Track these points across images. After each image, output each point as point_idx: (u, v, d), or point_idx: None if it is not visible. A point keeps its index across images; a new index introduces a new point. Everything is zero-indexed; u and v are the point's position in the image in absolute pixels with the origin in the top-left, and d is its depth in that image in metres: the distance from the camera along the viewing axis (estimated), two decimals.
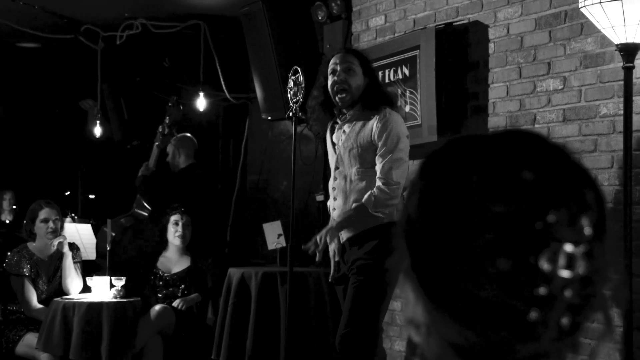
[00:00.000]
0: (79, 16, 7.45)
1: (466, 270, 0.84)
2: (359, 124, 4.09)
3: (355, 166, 4.08)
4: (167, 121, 6.83)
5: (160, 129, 6.83)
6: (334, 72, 4.11)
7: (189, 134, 6.96)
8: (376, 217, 3.98)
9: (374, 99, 4.09)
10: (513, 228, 0.83)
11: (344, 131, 4.15)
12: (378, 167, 4.00)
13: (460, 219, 0.85)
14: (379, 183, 3.97)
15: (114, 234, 6.73)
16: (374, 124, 4.03)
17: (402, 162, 4.00)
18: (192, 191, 6.63)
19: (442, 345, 0.90)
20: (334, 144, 4.23)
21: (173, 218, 6.05)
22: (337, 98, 4.09)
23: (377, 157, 4.01)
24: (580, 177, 0.88)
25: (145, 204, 7.03)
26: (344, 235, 4.10)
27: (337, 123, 4.21)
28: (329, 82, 4.11)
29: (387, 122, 4.00)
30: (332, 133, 4.26)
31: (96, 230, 6.75)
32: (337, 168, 4.18)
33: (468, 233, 0.84)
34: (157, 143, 6.83)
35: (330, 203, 4.27)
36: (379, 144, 3.99)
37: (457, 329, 0.86)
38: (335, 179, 4.19)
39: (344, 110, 4.15)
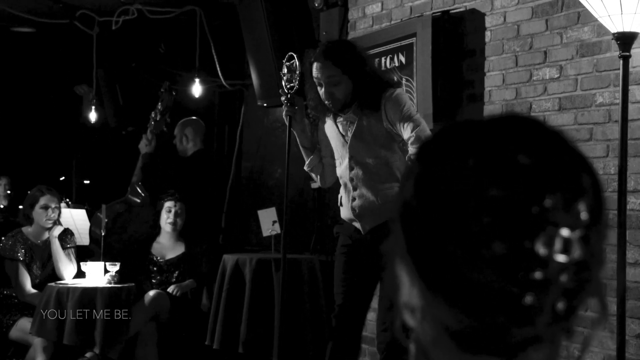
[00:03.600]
0: (75, 1, 7.42)
1: (462, 255, 0.84)
2: (366, 111, 4.05)
3: (373, 155, 4.05)
4: (159, 107, 6.82)
5: (152, 115, 6.82)
6: (319, 84, 4.06)
7: (194, 117, 6.96)
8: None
9: (367, 94, 4.04)
10: (509, 212, 0.83)
11: (350, 122, 4.10)
12: (405, 131, 3.94)
13: (457, 203, 0.85)
14: (412, 140, 3.91)
15: (106, 220, 6.72)
16: (382, 109, 3.99)
17: (424, 123, 3.99)
18: (199, 177, 6.63)
19: (436, 329, 0.90)
20: (341, 135, 4.17)
21: (167, 205, 6.06)
22: (329, 106, 4.09)
23: (399, 125, 3.95)
24: (577, 161, 0.88)
25: (139, 191, 7.01)
26: (366, 226, 4.07)
27: (342, 114, 4.15)
28: (320, 92, 4.06)
29: (396, 98, 3.97)
30: (334, 120, 4.20)
31: (91, 216, 6.74)
32: (352, 157, 4.10)
33: (464, 217, 0.84)
34: (150, 129, 6.82)
35: (342, 193, 4.19)
36: (397, 117, 3.95)
37: (452, 313, 0.86)
38: (351, 168, 4.10)
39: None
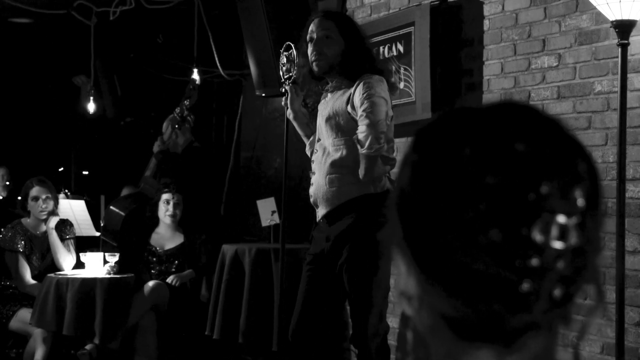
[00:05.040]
0: None
1: (458, 242, 0.84)
2: (339, 92, 3.91)
3: (332, 136, 3.89)
4: (186, 103, 6.79)
5: (177, 111, 6.78)
6: (311, 39, 3.94)
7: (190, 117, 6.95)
8: (352, 188, 3.80)
9: (353, 65, 3.89)
10: (505, 199, 0.83)
11: (326, 101, 3.99)
12: (359, 110, 3.77)
13: (453, 191, 0.85)
14: (359, 124, 3.76)
15: (123, 214, 6.71)
16: (352, 90, 3.82)
17: (381, 107, 3.77)
18: (193, 166, 6.63)
19: (433, 317, 0.90)
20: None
21: (164, 197, 6.06)
22: (313, 65, 3.93)
23: (358, 118, 3.78)
24: (574, 149, 0.87)
25: (154, 183, 7.00)
26: (320, 212, 3.93)
27: (323, 92, 4.05)
28: (308, 50, 3.94)
29: (368, 87, 3.77)
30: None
31: (90, 207, 6.74)
32: (318, 140, 4.01)
33: (461, 204, 0.84)
34: (171, 123, 6.76)
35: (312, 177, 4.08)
36: (359, 110, 3.77)
37: (449, 300, 0.86)
38: (315, 151, 4.00)
39: (329, 80, 3.99)
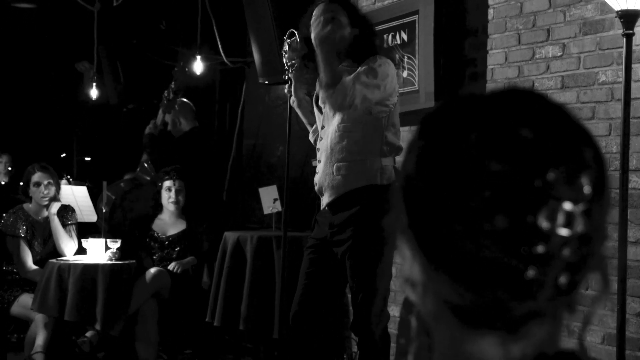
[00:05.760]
0: None
1: (464, 229, 0.84)
2: (345, 76, 3.85)
3: (338, 122, 3.87)
4: (172, 86, 6.80)
5: (165, 94, 6.80)
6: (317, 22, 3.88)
7: (185, 99, 6.94)
8: (358, 178, 3.81)
9: (361, 50, 3.88)
10: (511, 186, 0.82)
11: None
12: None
13: (459, 177, 0.84)
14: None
15: (114, 197, 6.73)
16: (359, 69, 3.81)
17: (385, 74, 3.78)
18: (195, 153, 6.63)
19: (438, 304, 0.89)
20: (319, 104, 4.02)
21: (166, 184, 6.05)
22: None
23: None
24: (580, 136, 0.87)
25: (149, 169, 7.02)
26: (325, 200, 3.93)
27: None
28: (312, 34, 3.88)
29: (375, 63, 3.78)
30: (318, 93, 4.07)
31: (92, 193, 6.74)
32: (322, 127, 3.99)
33: (466, 191, 0.84)
34: (162, 108, 6.80)
35: (316, 165, 4.07)
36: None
37: (454, 287, 0.86)
38: (321, 139, 3.99)
39: None
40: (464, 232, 0.84)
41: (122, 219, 6.76)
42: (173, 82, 6.82)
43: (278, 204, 5.81)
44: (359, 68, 3.82)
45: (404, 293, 0.95)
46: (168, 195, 6.04)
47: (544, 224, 0.82)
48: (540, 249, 0.82)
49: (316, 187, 3.99)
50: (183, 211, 6.10)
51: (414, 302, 0.93)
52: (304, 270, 4.00)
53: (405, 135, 4.52)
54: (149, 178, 7.03)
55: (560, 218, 0.82)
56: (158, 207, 6.12)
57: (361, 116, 3.81)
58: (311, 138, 4.23)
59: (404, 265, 0.92)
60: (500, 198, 0.82)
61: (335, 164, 3.87)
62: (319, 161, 4.00)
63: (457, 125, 0.88)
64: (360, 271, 3.79)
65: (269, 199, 5.90)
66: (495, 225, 0.82)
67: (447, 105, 0.92)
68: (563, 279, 0.84)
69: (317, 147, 4.04)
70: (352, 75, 3.76)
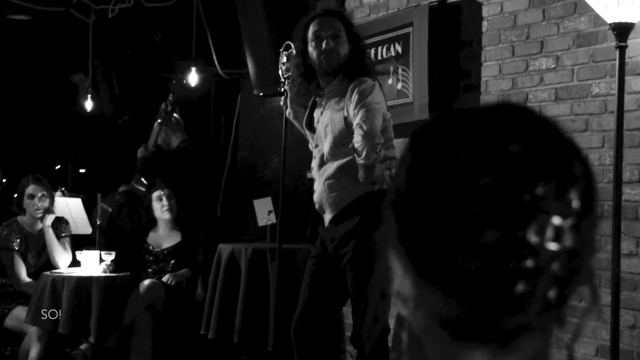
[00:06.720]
0: None
1: (454, 243, 0.84)
2: (336, 99, 3.90)
3: (329, 144, 3.89)
4: (170, 99, 6.79)
5: (163, 107, 6.79)
6: (318, 38, 3.89)
7: (175, 115, 6.94)
8: (352, 190, 3.83)
9: (356, 68, 3.88)
10: (501, 200, 0.83)
11: (323, 106, 3.97)
12: (355, 118, 3.75)
13: (449, 192, 0.85)
14: (355, 134, 3.75)
15: (110, 210, 6.72)
16: (348, 97, 3.80)
17: (376, 117, 3.77)
18: (187, 167, 6.62)
19: (429, 318, 0.90)
20: (312, 122, 4.06)
21: (155, 195, 6.05)
22: (323, 62, 3.87)
23: (355, 112, 3.77)
24: (569, 150, 0.87)
25: (143, 180, 7.02)
26: (327, 217, 3.95)
27: (318, 98, 4.03)
28: (313, 50, 3.89)
29: (362, 94, 3.77)
30: (312, 110, 4.11)
31: (87, 205, 6.74)
32: (316, 146, 4.02)
33: (456, 205, 0.84)
34: (159, 120, 6.79)
35: (311, 177, 4.11)
36: (355, 119, 3.76)
37: (444, 301, 0.86)
38: (314, 158, 4.03)
39: (322, 84, 3.96)
40: (455, 246, 0.84)
41: (118, 231, 6.75)
42: (171, 95, 6.82)
43: (273, 216, 5.81)
44: (348, 93, 3.81)
45: (395, 307, 0.95)
46: (160, 204, 6.03)
47: (533, 238, 0.82)
48: (529, 263, 0.82)
49: (317, 207, 4.04)
50: (177, 222, 6.10)
51: (404, 317, 0.93)
52: (306, 282, 4.03)
53: (400, 147, 4.52)
54: (144, 189, 7.03)
55: (550, 232, 0.83)
56: (152, 222, 6.10)
57: (352, 135, 3.82)
58: (311, 147, 4.23)
59: (395, 279, 0.92)
60: (490, 212, 0.83)
61: (326, 182, 3.91)
62: (314, 180, 4.02)
63: (446, 139, 0.88)
64: (357, 284, 3.80)
65: (264, 211, 5.90)
66: (485, 239, 0.83)
67: (437, 119, 0.92)
68: (552, 293, 0.84)
69: (311, 165, 4.07)
70: (361, 142, 3.73)
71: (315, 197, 4.01)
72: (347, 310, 4.75)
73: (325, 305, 4.00)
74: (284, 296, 4.67)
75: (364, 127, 3.72)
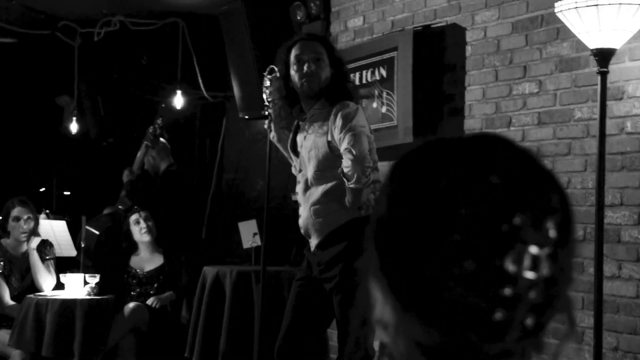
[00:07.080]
0: (57, 12, 7.40)
1: (433, 272, 0.85)
2: (319, 123, 3.90)
3: (314, 168, 3.90)
4: (159, 122, 6.79)
5: (151, 130, 6.78)
6: (300, 61, 3.91)
7: (162, 139, 6.94)
8: (338, 216, 3.82)
9: (338, 92, 3.89)
10: (480, 230, 0.84)
11: (306, 130, 3.97)
12: (342, 143, 3.74)
13: (429, 221, 0.86)
14: (344, 159, 3.73)
15: (98, 233, 6.69)
16: (330, 120, 3.81)
17: (363, 140, 3.75)
18: (174, 190, 6.62)
19: (409, 345, 0.91)
20: (296, 146, 4.07)
21: (133, 218, 6.04)
22: (304, 85, 3.88)
23: (340, 136, 3.76)
24: (547, 180, 0.89)
25: (128, 202, 7.00)
26: (313, 242, 3.95)
27: (301, 122, 4.04)
28: (295, 73, 3.90)
29: (346, 119, 3.76)
30: (295, 134, 4.11)
31: (71, 228, 6.71)
32: (300, 171, 4.02)
33: (436, 235, 0.86)
34: (146, 142, 6.78)
35: (296, 199, 4.11)
36: (342, 144, 3.75)
37: (424, 329, 0.87)
38: (299, 183, 4.03)
39: (305, 108, 3.98)
40: (434, 275, 0.85)
41: (104, 253, 6.73)
42: (160, 119, 6.81)
43: (257, 239, 5.81)
44: (331, 117, 3.82)
45: (377, 334, 0.96)
46: (138, 227, 6.01)
47: (511, 267, 0.84)
48: (507, 291, 0.84)
49: (302, 231, 4.03)
50: (159, 244, 6.08)
51: (385, 343, 0.94)
52: (291, 303, 4.01)
53: (384, 170, 4.54)
54: (124, 208, 7.02)
55: (527, 261, 0.84)
56: (132, 246, 6.08)
57: (337, 159, 3.82)
58: (294, 171, 4.24)
59: (376, 307, 0.94)
60: (469, 241, 0.84)
61: (312, 207, 3.91)
62: (300, 204, 4.02)
63: (426, 169, 0.90)
64: (347, 307, 3.80)
65: (249, 233, 5.90)
66: (464, 268, 0.84)
67: (418, 150, 0.94)
68: (530, 320, 0.86)
69: (296, 190, 4.07)
70: (351, 165, 3.72)
71: (301, 222, 4.01)
72: (333, 333, 4.75)
73: (310, 327, 3.99)
74: (268, 319, 4.66)
75: (354, 152, 3.71)
